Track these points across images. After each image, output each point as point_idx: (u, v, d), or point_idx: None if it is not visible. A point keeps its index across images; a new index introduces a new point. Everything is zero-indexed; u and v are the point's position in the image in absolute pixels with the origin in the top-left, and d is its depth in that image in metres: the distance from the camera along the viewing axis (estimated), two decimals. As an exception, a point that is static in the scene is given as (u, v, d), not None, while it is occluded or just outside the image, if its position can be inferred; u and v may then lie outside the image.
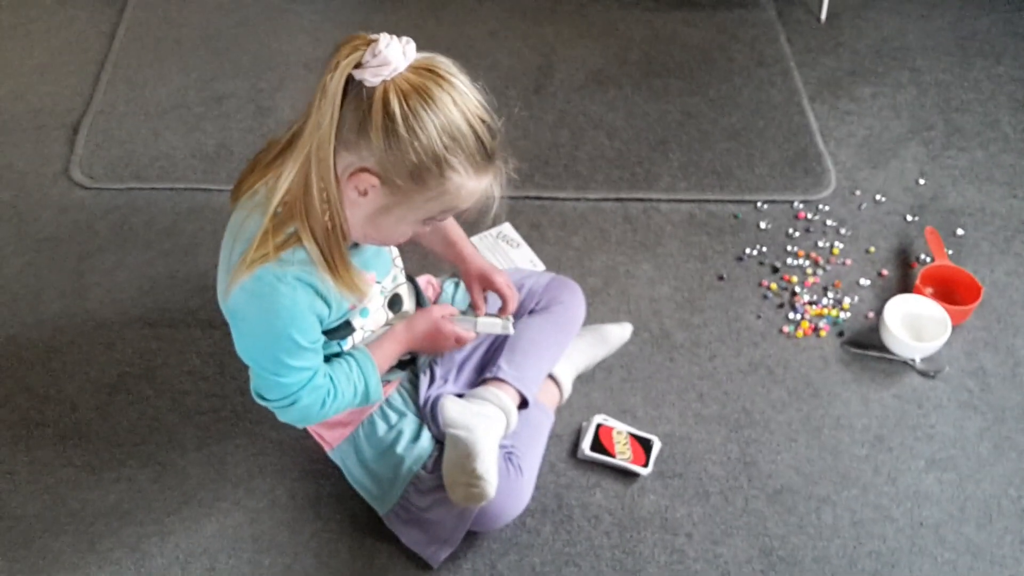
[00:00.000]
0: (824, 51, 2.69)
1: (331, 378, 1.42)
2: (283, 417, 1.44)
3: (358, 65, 1.15)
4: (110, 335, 1.93)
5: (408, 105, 1.16)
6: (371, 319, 1.51)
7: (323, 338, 1.40)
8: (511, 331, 1.63)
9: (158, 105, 2.46)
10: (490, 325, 1.63)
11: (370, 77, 1.15)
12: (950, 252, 2.09)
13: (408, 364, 1.63)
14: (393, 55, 1.15)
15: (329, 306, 1.34)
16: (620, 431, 1.76)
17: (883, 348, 1.91)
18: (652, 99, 2.52)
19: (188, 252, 2.09)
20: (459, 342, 1.60)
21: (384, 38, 1.16)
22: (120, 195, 2.22)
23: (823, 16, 2.80)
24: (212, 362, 1.88)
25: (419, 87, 1.16)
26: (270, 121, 2.40)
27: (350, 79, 1.16)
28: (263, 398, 1.40)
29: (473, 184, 1.26)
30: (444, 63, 1.22)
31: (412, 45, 1.19)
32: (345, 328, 1.45)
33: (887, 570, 1.59)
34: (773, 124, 2.44)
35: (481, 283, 1.65)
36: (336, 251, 1.28)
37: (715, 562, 1.61)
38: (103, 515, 1.66)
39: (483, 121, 1.22)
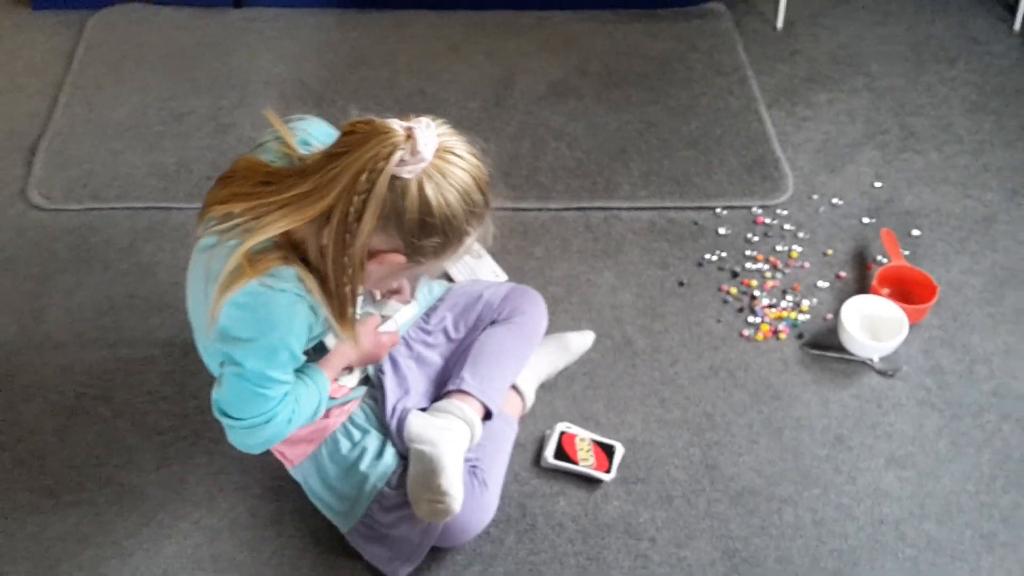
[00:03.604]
0: (781, 59, 2.72)
1: (294, 397, 1.40)
2: (248, 440, 1.39)
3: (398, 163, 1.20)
4: (68, 357, 1.91)
5: (441, 194, 1.22)
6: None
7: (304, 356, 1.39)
8: (416, 307, 1.68)
9: (117, 125, 2.45)
10: (405, 315, 1.66)
11: (406, 173, 1.20)
12: (906, 253, 2.11)
13: (367, 381, 1.62)
14: (427, 151, 1.20)
15: (318, 320, 1.34)
16: (583, 438, 1.77)
17: (842, 349, 1.93)
18: (612, 109, 2.54)
19: (147, 271, 2.08)
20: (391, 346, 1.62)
21: (421, 136, 1.20)
22: (78, 216, 2.21)
23: (779, 24, 2.84)
24: (171, 381, 1.87)
25: (447, 173, 1.23)
26: (230, 138, 2.39)
27: None
28: (232, 416, 1.35)
29: (477, 233, 1.34)
30: (454, 139, 1.27)
31: (434, 128, 1.24)
32: (319, 351, 1.45)
33: (849, 568, 1.60)
34: (731, 131, 2.46)
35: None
36: (343, 311, 1.31)
37: (679, 566, 1.61)
38: (61, 539, 1.64)
39: (486, 182, 1.30)
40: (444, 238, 1.27)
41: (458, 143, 1.27)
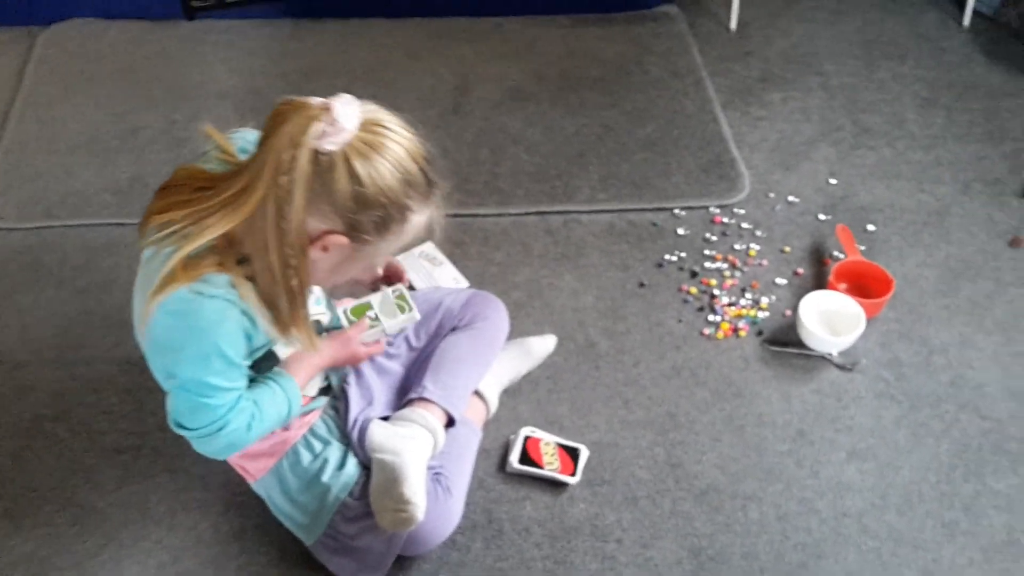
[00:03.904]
0: (735, 60, 2.75)
1: (254, 401, 1.38)
2: (207, 448, 1.38)
3: (318, 136, 1.18)
4: (24, 377, 1.89)
5: (372, 165, 1.20)
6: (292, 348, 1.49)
7: (249, 359, 1.37)
8: (417, 316, 1.62)
9: (70, 141, 2.43)
10: (397, 324, 1.62)
11: (330, 146, 1.18)
12: (862, 248, 2.14)
13: (328, 390, 1.61)
14: (349, 122, 1.18)
15: (256, 327, 1.31)
16: (548, 442, 1.77)
17: (801, 344, 1.94)
18: (569, 113, 2.55)
19: (103, 289, 2.05)
20: (370, 355, 1.60)
21: (338, 107, 1.18)
22: (32, 234, 2.18)
23: (733, 26, 2.86)
24: (130, 399, 1.84)
25: (375, 145, 1.20)
26: (185, 152, 2.37)
27: None
28: (186, 427, 1.34)
29: (425, 215, 1.31)
30: (383, 113, 1.25)
31: (356, 103, 1.22)
32: (270, 359, 1.43)
33: (813, 561, 1.61)
34: (688, 133, 2.47)
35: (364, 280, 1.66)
36: (293, 309, 1.29)
37: (646, 566, 1.61)
38: (22, 562, 1.61)
39: (424, 157, 1.27)
40: (383, 211, 1.24)
41: (387, 116, 1.25)
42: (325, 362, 1.53)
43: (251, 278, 1.26)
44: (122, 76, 2.64)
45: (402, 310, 1.61)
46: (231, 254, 1.26)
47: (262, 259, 1.24)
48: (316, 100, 1.20)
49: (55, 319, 2.00)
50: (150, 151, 2.39)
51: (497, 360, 1.81)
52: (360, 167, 1.19)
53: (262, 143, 1.21)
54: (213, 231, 1.23)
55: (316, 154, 1.18)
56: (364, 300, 1.63)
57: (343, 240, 1.26)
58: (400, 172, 1.23)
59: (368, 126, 1.21)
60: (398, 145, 1.23)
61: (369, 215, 1.24)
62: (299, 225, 1.21)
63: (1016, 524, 1.66)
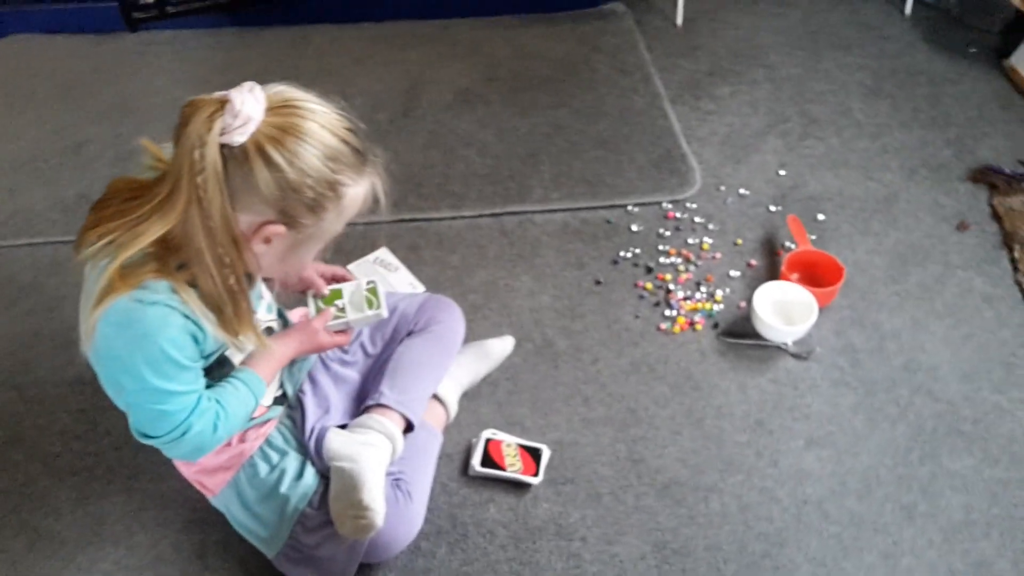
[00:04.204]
0: (682, 55, 2.76)
1: (217, 400, 1.36)
2: (175, 452, 1.36)
3: (222, 131, 1.15)
4: (-27, 401, 1.85)
5: (286, 148, 1.17)
6: (247, 353, 1.47)
7: (202, 362, 1.34)
8: (384, 314, 1.60)
9: (13, 159, 2.39)
10: (363, 318, 1.60)
11: (237, 137, 1.16)
12: (813, 237, 2.16)
13: (283, 399, 1.60)
14: (251, 110, 1.16)
15: (202, 330, 1.28)
16: (509, 443, 1.76)
17: (756, 335, 1.96)
18: (520, 114, 2.55)
19: (52, 308, 2.02)
20: (336, 346, 1.58)
21: (236, 97, 1.16)
22: (-24, 256, 2.14)
23: (679, 21, 2.89)
24: (83, 419, 1.81)
25: (287, 127, 1.18)
26: (131, 166, 2.28)
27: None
28: (149, 436, 1.32)
29: (361, 187, 1.29)
30: (292, 92, 1.23)
31: (259, 89, 1.19)
32: (222, 366, 1.41)
33: (776, 550, 1.63)
34: (638, 129, 2.49)
35: (306, 285, 1.63)
36: (236, 308, 1.27)
37: (611, 562, 1.62)
38: (-23, 590, 1.59)
39: (347, 129, 1.25)
40: (314, 193, 1.22)
41: (299, 95, 1.23)
42: (290, 352, 1.51)
43: (192, 283, 1.25)
44: (65, 91, 2.60)
45: (370, 305, 1.59)
46: (169, 261, 1.24)
47: (199, 262, 1.22)
48: (217, 94, 1.18)
49: (3, 341, 1.96)
50: (96, 166, 2.36)
51: (456, 363, 1.80)
52: (275, 153, 1.17)
53: (175, 147, 1.19)
54: (145, 238, 1.21)
55: (227, 149, 1.16)
56: (337, 287, 1.62)
57: (280, 229, 1.24)
58: (319, 149, 1.21)
59: (277, 109, 1.19)
60: (312, 122, 1.21)
61: (299, 199, 1.22)
62: (226, 223, 1.19)
63: (974, 504, 1.68)
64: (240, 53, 2.75)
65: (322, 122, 1.22)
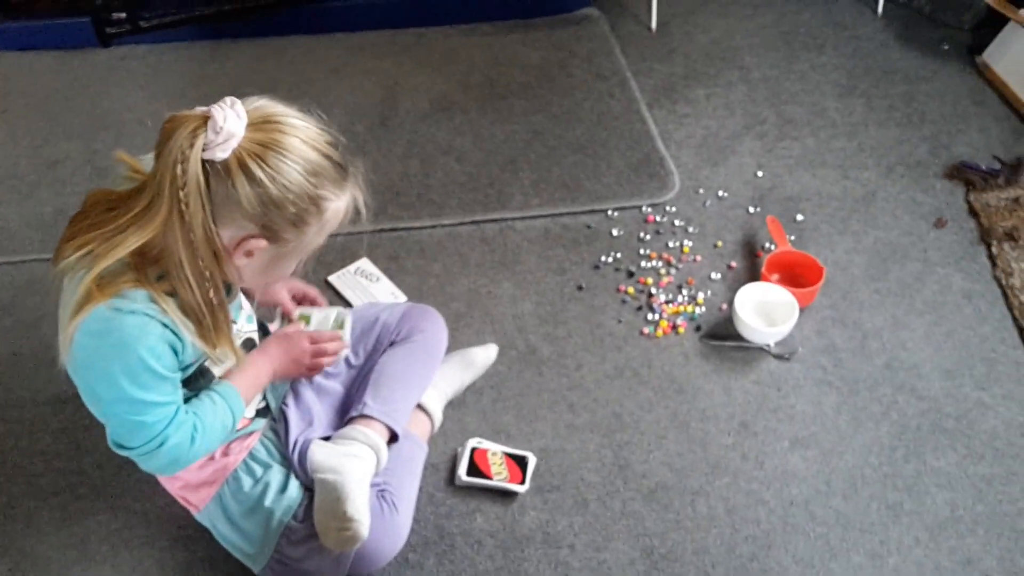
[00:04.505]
0: (658, 59, 2.77)
1: (194, 413, 1.35)
2: (151, 465, 1.34)
3: (204, 146, 1.16)
4: (-48, 424, 1.83)
5: (268, 165, 1.18)
6: (227, 365, 1.46)
7: (180, 374, 1.33)
8: (346, 350, 1.63)
9: (-13, 178, 2.36)
10: (322, 322, 1.62)
11: (220, 153, 1.16)
12: (792, 238, 2.17)
13: (266, 412, 1.59)
14: (233, 126, 1.16)
15: (181, 340, 1.27)
16: (495, 452, 1.76)
17: (739, 337, 1.96)
18: (498, 121, 2.55)
19: (31, 327, 2.00)
20: (318, 355, 1.57)
21: (218, 113, 1.16)
22: (-48, 276, 2.12)
23: (654, 25, 2.89)
24: (64, 438, 1.80)
25: (268, 143, 1.18)
26: (107, 182, 2.25)
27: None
28: (125, 447, 1.31)
29: (343, 201, 1.29)
30: (273, 107, 1.23)
31: (240, 105, 1.19)
32: (202, 377, 1.39)
33: (764, 552, 1.63)
34: (616, 134, 2.49)
35: (274, 302, 1.64)
36: (215, 321, 1.27)
37: (599, 569, 1.62)
38: (-41, 615, 1.57)
39: (328, 143, 1.26)
40: (295, 207, 1.22)
41: (279, 109, 1.23)
42: (269, 365, 1.51)
43: (171, 293, 1.24)
44: (39, 108, 2.58)
45: None
46: (148, 271, 1.23)
47: (178, 274, 1.22)
48: (199, 109, 1.18)
49: (-19, 362, 1.94)
50: (72, 183, 2.34)
51: (440, 373, 1.80)
52: (256, 169, 1.18)
53: (156, 160, 1.19)
54: (123, 248, 1.21)
55: (209, 164, 1.17)
56: (306, 312, 1.61)
57: (262, 244, 1.24)
58: (300, 164, 1.21)
59: (259, 124, 1.19)
60: (293, 138, 1.21)
61: (281, 214, 1.22)
62: (207, 236, 1.20)
63: (959, 501, 1.69)
64: (215, 66, 2.73)
65: (303, 137, 1.22)
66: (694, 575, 1.60)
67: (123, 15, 2.78)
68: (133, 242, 1.20)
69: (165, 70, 2.71)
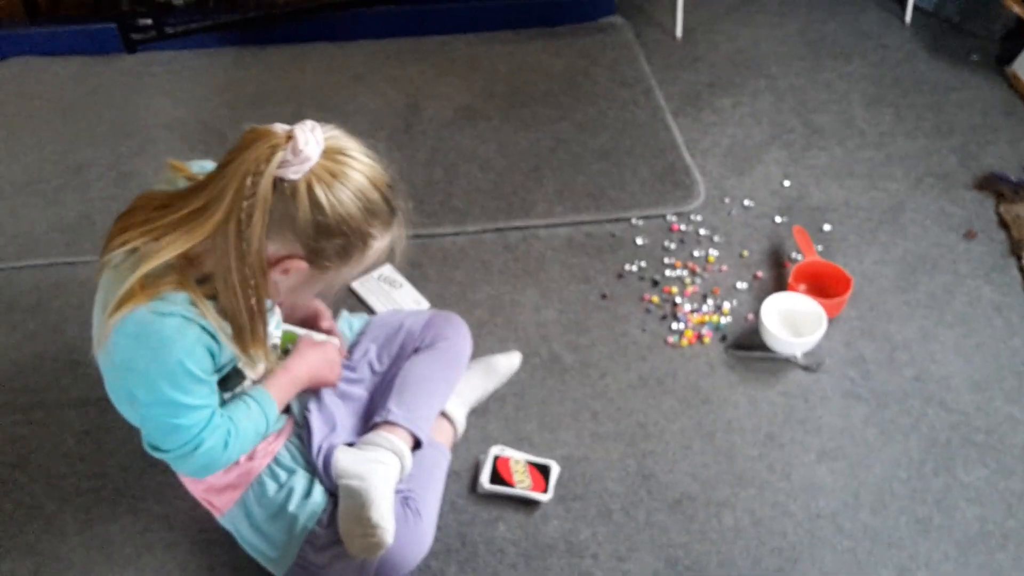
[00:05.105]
0: (683, 67, 2.76)
1: (229, 418, 1.37)
2: (185, 467, 1.37)
3: (280, 164, 1.19)
4: (-23, 425, 1.84)
5: (333, 194, 1.21)
6: (260, 368, 1.46)
7: (216, 376, 1.35)
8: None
9: (14, 182, 2.38)
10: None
11: (292, 174, 1.19)
12: (819, 248, 2.15)
13: (287, 409, 1.58)
14: (312, 150, 1.19)
15: (218, 343, 1.30)
16: (518, 460, 1.75)
17: (765, 348, 1.94)
18: (521, 128, 2.54)
19: (55, 330, 2.00)
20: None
21: (301, 135, 1.19)
22: (-22, 278, 2.13)
23: (679, 33, 2.88)
24: (88, 441, 1.80)
25: (337, 174, 1.22)
26: (132, 186, 2.33)
27: None
28: (160, 449, 1.33)
29: (385, 241, 1.33)
30: (346, 140, 1.27)
31: (320, 131, 1.23)
32: (235, 377, 1.41)
33: (790, 565, 1.61)
34: (640, 142, 2.48)
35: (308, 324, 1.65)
36: (254, 329, 1.29)
37: (623, 580, 1.60)
38: (-18, 616, 1.56)
39: (387, 185, 1.29)
40: (344, 240, 1.26)
41: (350, 144, 1.26)
42: (304, 369, 1.52)
43: (211, 297, 1.26)
44: (65, 113, 2.60)
45: None
46: (191, 273, 1.26)
47: (223, 279, 1.24)
48: (280, 127, 1.21)
49: (6, 364, 1.94)
50: (96, 188, 2.35)
51: (463, 380, 1.79)
52: (322, 195, 1.21)
53: (224, 167, 1.22)
54: (171, 250, 1.23)
55: (278, 181, 1.19)
56: (294, 330, 1.61)
57: (303, 265, 1.27)
58: (361, 201, 1.24)
59: (331, 154, 1.23)
60: (360, 173, 1.24)
61: (331, 243, 1.25)
62: (259, 248, 1.22)
63: (988, 516, 1.67)
64: (239, 73, 2.74)
65: (369, 175, 1.26)
66: (719, 587, 1.59)
67: (149, 21, 2.79)
68: (182, 244, 1.23)
69: (190, 76, 2.72)
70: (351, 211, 1.23)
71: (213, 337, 1.28)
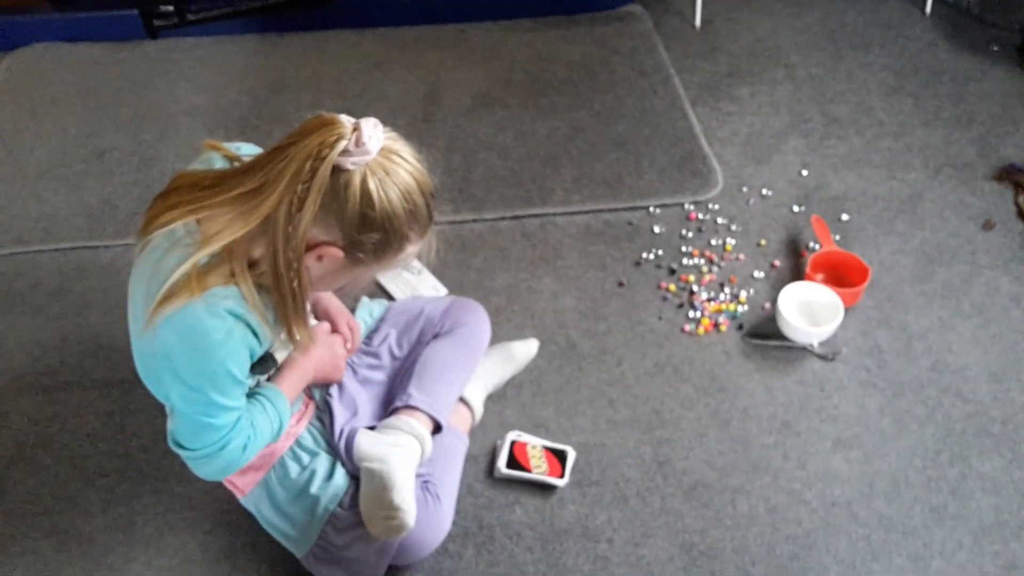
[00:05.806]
0: (701, 56, 2.76)
1: (251, 422, 1.38)
2: (204, 469, 1.37)
3: (342, 153, 1.20)
4: (2, 405, 1.86)
5: (384, 190, 1.22)
6: (286, 352, 1.48)
7: (251, 378, 1.38)
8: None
9: (37, 166, 2.40)
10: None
11: (350, 164, 1.20)
12: (837, 237, 2.15)
13: (307, 394, 1.60)
14: (373, 145, 1.21)
15: (260, 342, 1.32)
16: (535, 445, 1.76)
17: (782, 336, 1.95)
18: (539, 116, 2.55)
19: (79, 313, 2.03)
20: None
21: (367, 128, 1.20)
22: (3, 261, 2.16)
23: (698, 23, 2.88)
24: (111, 422, 1.82)
25: (390, 171, 1.23)
26: (154, 172, 2.35)
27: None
28: (185, 447, 1.34)
29: (417, 246, 1.35)
30: (401, 141, 1.28)
31: (381, 129, 1.24)
32: (267, 362, 1.43)
33: (804, 552, 1.62)
34: (658, 131, 2.48)
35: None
36: (296, 310, 1.30)
37: (638, 564, 1.61)
38: (8, 593, 1.59)
39: (431, 191, 1.31)
40: (384, 236, 1.26)
41: (404, 147, 1.28)
42: (310, 366, 1.53)
43: (258, 284, 1.28)
44: (87, 99, 2.62)
45: None
46: (240, 257, 1.26)
47: (270, 262, 1.25)
48: (346, 119, 1.23)
49: (30, 346, 1.97)
50: (119, 173, 2.37)
51: (480, 366, 1.80)
52: (373, 189, 1.22)
53: (284, 148, 1.22)
54: (227, 235, 1.23)
55: (335, 169, 1.20)
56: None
57: (339, 254, 1.28)
58: (408, 202, 1.26)
59: (386, 152, 1.24)
60: (410, 176, 1.26)
61: (370, 236, 1.26)
62: (304, 232, 1.23)
63: (1003, 506, 1.67)
64: (260, 60, 2.76)
65: (418, 178, 1.28)
66: (734, 573, 1.60)
67: (171, 8, 2.81)
68: (238, 229, 1.23)
69: (211, 63, 2.74)
70: (397, 210, 1.25)
71: (255, 335, 1.29)
